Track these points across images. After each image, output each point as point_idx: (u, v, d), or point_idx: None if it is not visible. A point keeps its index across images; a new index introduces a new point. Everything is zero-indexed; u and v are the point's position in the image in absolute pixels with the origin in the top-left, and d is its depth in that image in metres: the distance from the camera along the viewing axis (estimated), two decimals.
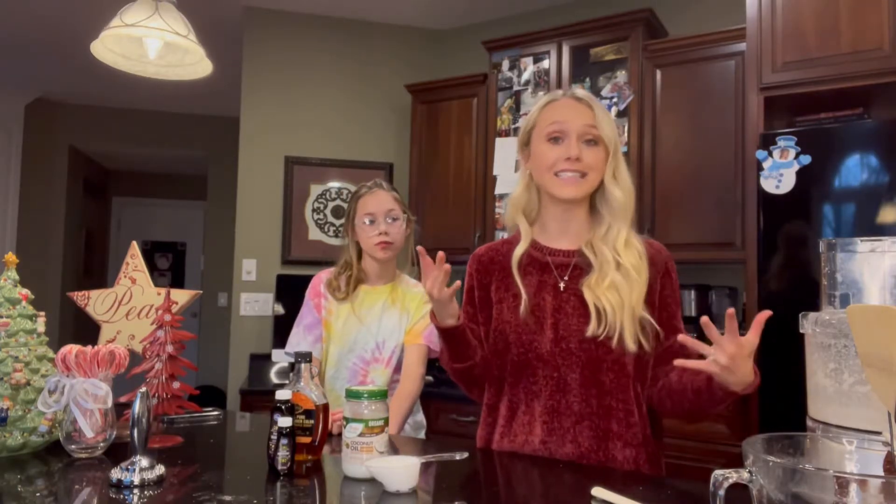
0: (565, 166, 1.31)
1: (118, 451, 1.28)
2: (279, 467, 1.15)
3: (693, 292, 2.96)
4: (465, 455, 1.18)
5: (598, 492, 1.02)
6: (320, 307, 1.89)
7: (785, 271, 2.29)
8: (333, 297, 1.88)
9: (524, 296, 1.33)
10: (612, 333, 1.26)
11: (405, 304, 1.88)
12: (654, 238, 1.44)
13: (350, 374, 1.83)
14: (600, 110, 1.35)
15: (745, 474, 0.71)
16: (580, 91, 1.40)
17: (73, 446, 1.27)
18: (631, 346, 1.25)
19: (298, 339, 1.87)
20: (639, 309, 1.28)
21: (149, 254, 7.24)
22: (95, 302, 1.64)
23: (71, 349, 1.29)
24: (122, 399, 1.40)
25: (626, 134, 3.01)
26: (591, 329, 1.27)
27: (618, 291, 1.27)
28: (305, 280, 2.03)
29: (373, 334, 1.84)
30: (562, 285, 1.34)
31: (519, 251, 1.39)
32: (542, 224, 1.43)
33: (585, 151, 1.32)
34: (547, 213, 1.41)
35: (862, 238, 1.01)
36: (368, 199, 1.87)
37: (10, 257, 1.42)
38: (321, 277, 1.94)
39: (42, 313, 1.43)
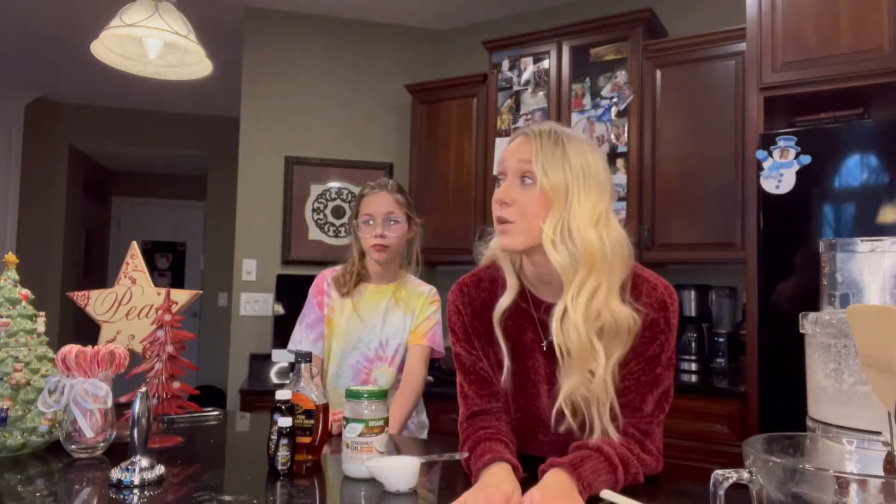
0: (499, 213, 1.13)
1: (118, 451, 1.28)
2: (279, 467, 1.15)
3: (693, 292, 2.97)
4: (465, 455, 1.18)
5: (605, 493, 1.02)
6: (323, 305, 1.89)
7: (785, 271, 2.29)
8: (338, 292, 1.88)
9: (507, 364, 1.20)
10: (581, 426, 1.13)
11: (410, 304, 1.87)
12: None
13: (353, 373, 1.83)
14: (548, 145, 1.11)
15: (745, 474, 0.71)
16: (543, 124, 1.16)
17: (73, 446, 1.27)
18: (599, 434, 1.11)
19: (301, 337, 1.88)
20: (611, 393, 1.11)
21: (149, 254, 7.24)
22: (95, 302, 1.64)
23: (71, 349, 1.29)
24: (122, 399, 1.40)
25: (626, 134, 3.01)
26: (562, 425, 1.14)
27: (587, 386, 1.10)
28: (305, 280, 2.03)
29: (376, 333, 1.84)
30: (544, 345, 1.19)
31: (504, 303, 1.20)
32: (523, 269, 1.24)
33: (518, 193, 1.11)
34: (523, 260, 1.22)
35: (862, 238, 1.01)
36: (369, 200, 1.86)
37: (10, 257, 1.42)
38: (325, 275, 1.94)
39: (42, 313, 1.43)
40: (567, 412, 1.11)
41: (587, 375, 1.10)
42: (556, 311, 1.11)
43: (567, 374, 1.12)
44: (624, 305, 1.11)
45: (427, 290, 1.91)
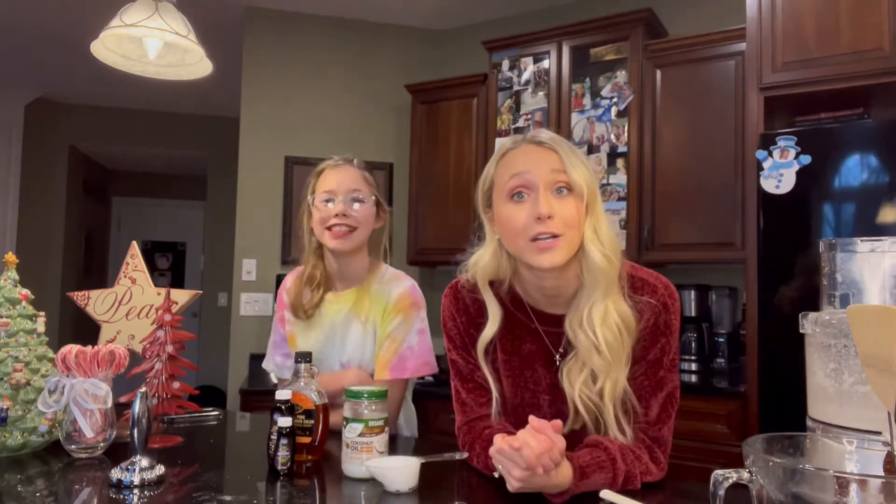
0: (541, 229, 1.07)
1: (118, 451, 1.28)
2: (279, 467, 1.15)
3: (693, 292, 2.97)
4: (465, 455, 1.18)
5: (605, 493, 1.02)
6: (284, 320, 1.65)
7: (785, 271, 2.29)
8: (296, 317, 1.60)
9: (495, 394, 1.19)
10: (590, 429, 1.12)
11: (371, 314, 1.55)
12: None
13: None
14: (569, 152, 1.11)
15: (745, 474, 0.71)
16: (544, 133, 1.15)
17: (73, 446, 1.27)
18: (615, 433, 1.11)
19: (267, 359, 1.71)
20: (619, 392, 1.10)
21: (149, 254, 7.24)
22: (95, 302, 1.64)
23: (71, 349, 1.29)
24: (122, 399, 1.39)
25: (626, 134, 3.01)
26: (569, 424, 1.13)
27: (594, 385, 1.10)
28: None
29: (336, 353, 1.57)
30: (557, 357, 1.17)
31: (487, 335, 1.19)
32: (523, 286, 1.20)
33: (557, 204, 1.08)
34: (528, 280, 1.18)
35: (862, 238, 1.01)
36: (331, 174, 1.54)
37: (10, 257, 1.42)
38: (286, 283, 1.66)
39: (42, 313, 1.43)
40: (582, 405, 1.11)
41: (614, 376, 1.10)
42: (595, 315, 1.10)
43: (581, 376, 1.11)
44: (625, 303, 1.12)
45: (391, 295, 1.54)
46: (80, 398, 1.27)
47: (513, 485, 0.98)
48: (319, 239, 1.54)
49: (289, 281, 1.66)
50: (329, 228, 1.50)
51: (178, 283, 7.16)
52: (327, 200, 1.52)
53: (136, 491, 1.05)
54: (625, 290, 1.13)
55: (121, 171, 7.20)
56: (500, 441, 0.98)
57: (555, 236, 1.07)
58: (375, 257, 1.62)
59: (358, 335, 1.55)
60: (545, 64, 3.25)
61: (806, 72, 2.38)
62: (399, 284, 1.57)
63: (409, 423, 1.69)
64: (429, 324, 1.58)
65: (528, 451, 0.94)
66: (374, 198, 1.56)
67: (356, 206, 1.52)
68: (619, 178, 3.01)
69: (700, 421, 2.50)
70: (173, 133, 5.94)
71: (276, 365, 1.69)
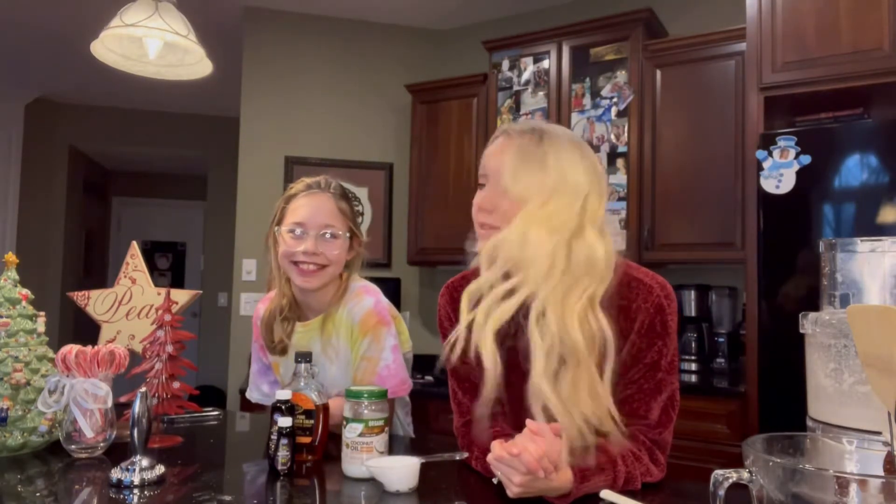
0: (482, 220, 1.20)
1: (118, 451, 1.28)
2: (279, 467, 1.15)
3: (693, 292, 2.97)
4: (465, 455, 1.18)
5: (605, 493, 1.02)
6: (264, 350, 1.60)
7: (785, 271, 2.29)
8: (271, 353, 1.55)
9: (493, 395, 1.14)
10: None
11: (336, 334, 1.48)
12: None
13: None
14: (529, 146, 1.11)
15: (745, 474, 0.71)
16: (528, 123, 1.15)
17: (73, 446, 1.27)
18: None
19: (252, 388, 1.69)
20: (596, 394, 1.04)
21: (149, 254, 7.24)
22: (95, 302, 1.64)
23: (71, 349, 1.29)
24: (122, 399, 1.40)
25: (626, 134, 3.01)
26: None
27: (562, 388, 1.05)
28: None
29: (314, 383, 1.47)
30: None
31: None
32: None
33: (500, 198, 1.15)
34: None
35: (862, 238, 1.01)
36: (302, 203, 1.43)
37: (10, 257, 1.42)
38: (258, 312, 1.59)
39: (42, 313, 1.43)
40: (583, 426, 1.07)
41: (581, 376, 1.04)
42: (535, 320, 1.05)
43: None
44: (576, 330, 1.03)
45: (355, 317, 1.45)
46: (80, 398, 1.27)
47: (513, 490, 0.97)
48: (285, 272, 1.45)
49: (261, 310, 1.59)
50: (296, 263, 1.41)
51: (178, 283, 7.16)
52: (298, 233, 1.42)
53: (136, 491, 1.05)
54: (596, 307, 1.06)
55: (121, 171, 7.20)
56: (498, 448, 0.97)
57: (493, 227, 1.14)
58: (347, 275, 1.52)
59: (334, 366, 1.51)
60: (545, 64, 3.25)
61: (806, 72, 2.38)
62: (360, 303, 1.47)
63: (404, 433, 1.68)
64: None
65: (527, 455, 0.93)
66: (348, 232, 1.46)
67: (329, 241, 1.42)
68: (619, 178, 3.01)
69: (700, 421, 2.50)
70: (173, 133, 5.94)
71: (262, 394, 1.66)
